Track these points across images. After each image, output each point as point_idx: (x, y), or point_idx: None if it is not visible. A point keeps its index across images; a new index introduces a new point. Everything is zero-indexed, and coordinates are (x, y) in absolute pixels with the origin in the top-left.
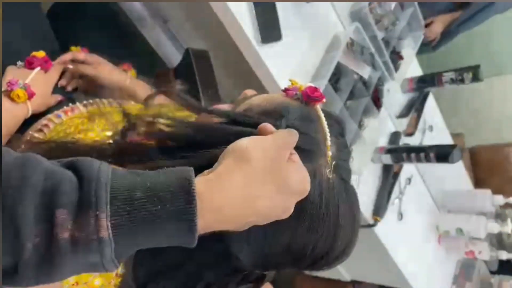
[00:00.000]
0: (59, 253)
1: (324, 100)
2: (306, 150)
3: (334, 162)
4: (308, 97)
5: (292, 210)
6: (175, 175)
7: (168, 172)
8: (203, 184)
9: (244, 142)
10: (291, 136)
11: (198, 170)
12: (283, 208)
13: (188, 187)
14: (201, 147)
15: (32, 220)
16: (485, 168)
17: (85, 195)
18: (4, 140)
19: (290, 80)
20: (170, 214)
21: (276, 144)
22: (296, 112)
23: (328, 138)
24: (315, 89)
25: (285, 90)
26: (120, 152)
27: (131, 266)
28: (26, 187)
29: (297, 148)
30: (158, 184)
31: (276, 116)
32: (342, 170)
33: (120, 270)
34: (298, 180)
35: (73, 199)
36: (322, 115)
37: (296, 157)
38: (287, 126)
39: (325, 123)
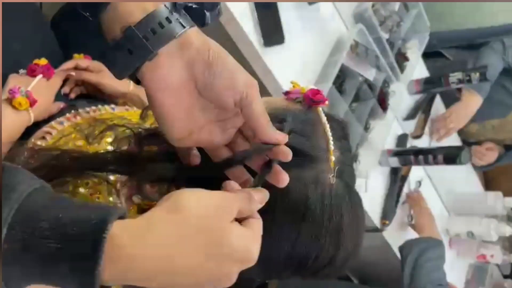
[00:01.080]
0: None
1: (326, 102)
2: (308, 155)
3: (337, 167)
4: (310, 100)
5: (235, 278)
6: (94, 212)
7: (90, 207)
8: (124, 228)
9: (186, 193)
10: (245, 201)
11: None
12: (220, 275)
13: (100, 229)
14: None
15: None
16: (496, 170)
17: None
18: (6, 148)
19: (292, 83)
20: (67, 256)
21: (221, 204)
22: (298, 116)
23: (331, 142)
24: (317, 92)
25: (287, 93)
26: (123, 161)
27: None
28: None
29: (299, 153)
30: (72, 219)
31: (277, 120)
32: (346, 175)
33: None
34: (241, 245)
35: None
36: (324, 118)
37: (253, 223)
38: (289, 131)
39: (327, 126)
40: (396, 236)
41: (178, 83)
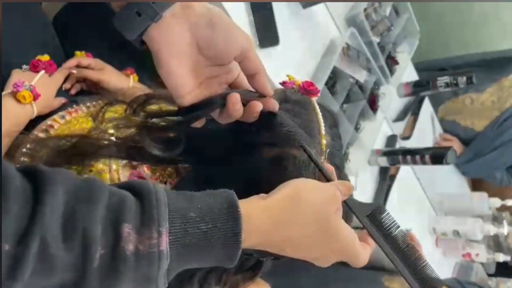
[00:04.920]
0: (124, 264)
1: (319, 94)
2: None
3: (328, 150)
4: (305, 90)
5: (329, 263)
6: (220, 199)
7: (213, 195)
8: (252, 207)
9: (301, 183)
10: (341, 190)
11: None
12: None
13: (234, 210)
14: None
15: (100, 233)
16: None
17: (147, 212)
18: (11, 138)
19: (287, 76)
20: (218, 230)
21: (332, 194)
22: (294, 97)
23: (323, 127)
24: (311, 83)
25: (283, 83)
26: (122, 145)
27: None
28: (94, 204)
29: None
30: (208, 206)
31: (274, 99)
32: (336, 158)
33: None
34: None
35: (137, 216)
36: (317, 106)
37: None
38: (286, 110)
39: (319, 113)
40: None
41: (181, 42)
